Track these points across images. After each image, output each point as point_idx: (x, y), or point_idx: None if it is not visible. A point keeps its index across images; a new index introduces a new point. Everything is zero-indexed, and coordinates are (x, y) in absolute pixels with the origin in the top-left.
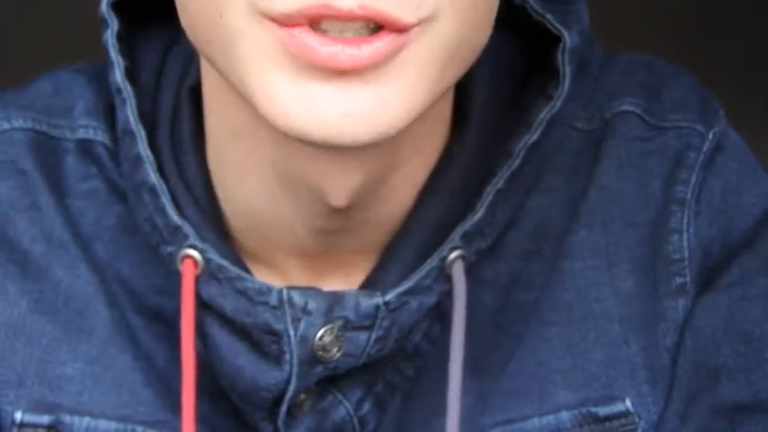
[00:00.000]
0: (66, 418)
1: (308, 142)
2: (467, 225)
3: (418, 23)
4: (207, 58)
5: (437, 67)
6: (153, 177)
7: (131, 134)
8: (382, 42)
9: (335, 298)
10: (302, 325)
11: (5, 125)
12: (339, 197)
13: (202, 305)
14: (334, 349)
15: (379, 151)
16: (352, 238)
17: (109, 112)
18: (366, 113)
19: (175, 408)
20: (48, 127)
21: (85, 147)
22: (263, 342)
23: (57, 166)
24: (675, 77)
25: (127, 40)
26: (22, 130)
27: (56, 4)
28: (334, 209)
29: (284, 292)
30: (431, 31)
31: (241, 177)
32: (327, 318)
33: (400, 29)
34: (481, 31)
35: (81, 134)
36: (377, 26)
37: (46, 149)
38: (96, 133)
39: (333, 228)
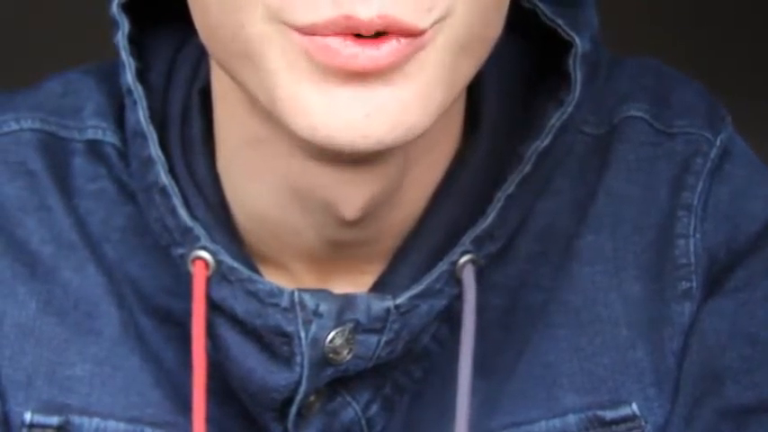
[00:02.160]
0: (76, 419)
1: (332, 149)
2: (477, 230)
3: (432, 26)
4: (227, 69)
5: (452, 64)
6: (164, 178)
7: (142, 135)
8: (398, 42)
9: (347, 300)
10: (313, 327)
11: (14, 126)
12: (351, 210)
13: (213, 306)
14: (345, 351)
15: (392, 160)
16: (363, 247)
17: (118, 113)
18: (388, 115)
19: (184, 409)
20: (57, 128)
21: (94, 147)
22: (273, 344)
23: (65, 166)
24: (683, 83)
25: (136, 41)
26: (32, 131)
27: (56, 4)
28: (345, 221)
29: (295, 294)
30: (446, 28)
31: (252, 182)
32: (338, 320)
33: (416, 34)
34: (493, 25)
35: (90, 135)
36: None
37: (55, 150)
38: (105, 134)
39: (343, 239)
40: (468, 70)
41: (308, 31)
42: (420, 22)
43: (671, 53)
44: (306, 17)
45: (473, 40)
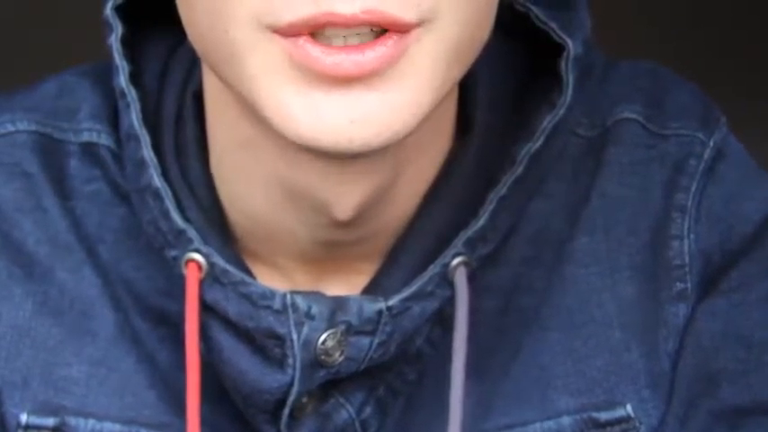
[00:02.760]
0: (72, 420)
1: (319, 152)
2: (470, 231)
3: (420, 23)
4: (215, 71)
5: (441, 67)
6: (157, 181)
7: (135, 138)
8: (385, 47)
9: (339, 303)
10: (305, 329)
11: (10, 127)
12: (344, 211)
13: (206, 308)
14: (337, 353)
15: (383, 161)
16: (356, 247)
17: (113, 115)
18: (373, 118)
19: (179, 410)
20: (52, 130)
21: (89, 149)
22: (266, 346)
23: (61, 168)
24: (678, 85)
25: (130, 44)
26: (27, 133)
27: (56, 4)
28: (338, 222)
29: (288, 296)
30: (432, 31)
31: (245, 184)
32: (330, 322)
33: (402, 29)
34: (482, 28)
35: (85, 137)
36: (380, 31)
37: (50, 152)
38: (100, 136)
39: (336, 239)
40: (455, 73)
41: (290, 32)
42: (406, 14)
43: (668, 54)
44: (286, 17)
45: (460, 44)
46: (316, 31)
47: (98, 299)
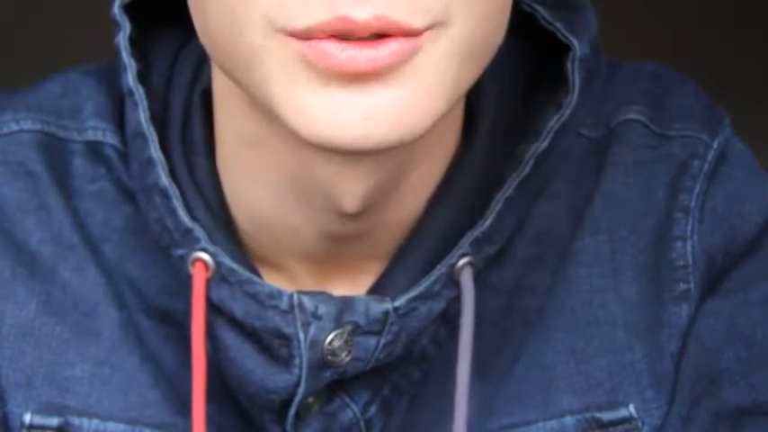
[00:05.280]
0: (75, 420)
1: (334, 150)
2: (476, 232)
3: (431, 27)
4: (227, 72)
5: (454, 69)
6: (165, 180)
7: (143, 137)
8: (397, 43)
9: (346, 303)
10: (312, 329)
11: (14, 126)
12: (351, 202)
13: (212, 308)
14: (344, 354)
15: (394, 155)
16: (362, 243)
17: (118, 114)
18: (388, 115)
19: (183, 410)
20: (56, 128)
21: (94, 148)
22: (272, 345)
23: (65, 167)
24: (681, 86)
25: (137, 42)
26: (31, 132)
27: (56, 4)
28: (345, 214)
29: (295, 296)
30: (445, 34)
31: (252, 182)
32: (337, 322)
33: (412, 34)
34: (495, 32)
35: (90, 136)
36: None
37: (54, 151)
38: (105, 135)
39: (343, 233)
40: (469, 76)
41: (304, 35)
42: (415, 21)
43: (671, 54)
44: (301, 21)
45: (474, 48)
46: (330, 36)
47: (102, 298)
